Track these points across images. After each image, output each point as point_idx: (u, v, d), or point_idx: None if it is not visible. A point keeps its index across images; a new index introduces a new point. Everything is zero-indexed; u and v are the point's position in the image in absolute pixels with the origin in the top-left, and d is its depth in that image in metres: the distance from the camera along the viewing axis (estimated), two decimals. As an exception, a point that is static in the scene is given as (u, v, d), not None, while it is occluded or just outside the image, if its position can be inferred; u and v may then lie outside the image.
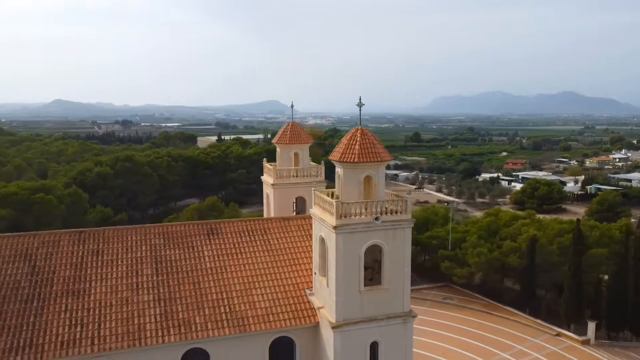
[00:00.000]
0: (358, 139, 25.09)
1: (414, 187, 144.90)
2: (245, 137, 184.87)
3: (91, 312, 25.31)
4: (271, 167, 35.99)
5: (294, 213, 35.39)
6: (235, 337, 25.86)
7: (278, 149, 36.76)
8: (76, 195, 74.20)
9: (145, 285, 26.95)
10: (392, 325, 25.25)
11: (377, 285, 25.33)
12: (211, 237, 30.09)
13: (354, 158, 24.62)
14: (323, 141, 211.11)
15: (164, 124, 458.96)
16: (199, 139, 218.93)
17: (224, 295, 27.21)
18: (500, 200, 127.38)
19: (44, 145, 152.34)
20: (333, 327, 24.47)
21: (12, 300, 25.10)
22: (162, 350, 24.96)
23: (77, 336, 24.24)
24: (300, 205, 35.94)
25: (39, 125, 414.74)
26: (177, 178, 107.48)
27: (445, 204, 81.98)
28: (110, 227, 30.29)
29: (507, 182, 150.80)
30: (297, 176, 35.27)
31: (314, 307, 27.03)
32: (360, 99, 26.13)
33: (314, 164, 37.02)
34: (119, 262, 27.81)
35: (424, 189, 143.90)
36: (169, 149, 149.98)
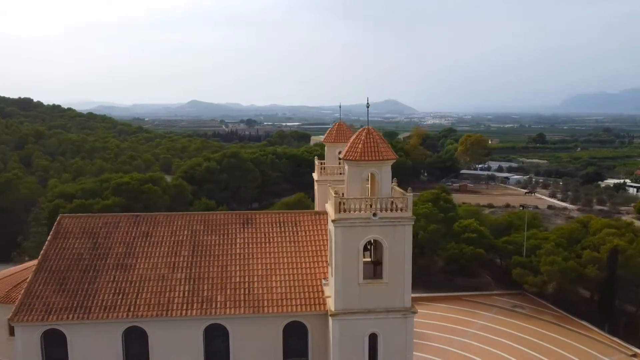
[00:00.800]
0: (362, 138, 26.20)
1: (525, 191, 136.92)
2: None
3: (132, 284, 29.54)
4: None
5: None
6: (251, 318, 28.43)
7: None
8: (180, 187, 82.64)
9: (180, 265, 30.65)
10: (391, 319, 25.98)
11: (377, 279, 26.23)
12: (246, 226, 33.02)
13: (357, 156, 25.82)
14: (436, 141, 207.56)
15: (284, 123, 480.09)
16: (312, 137, 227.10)
17: (246, 279, 29.93)
18: (623, 208, 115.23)
19: (171, 142, 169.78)
20: (331, 315, 25.97)
21: (74, 269, 30.24)
22: (186, 322, 28.35)
23: (118, 303, 28.56)
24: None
25: (175, 123, 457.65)
26: (279, 174, 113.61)
27: (521, 207, 76.91)
28: (160, 213, 34.69)
29: (635, 190, 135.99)
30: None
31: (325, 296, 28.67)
32: (367, 100, 27.19)
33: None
34: (163, 243, 31.89)
35: (536, 194, 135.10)
36: (278, 146, 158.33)
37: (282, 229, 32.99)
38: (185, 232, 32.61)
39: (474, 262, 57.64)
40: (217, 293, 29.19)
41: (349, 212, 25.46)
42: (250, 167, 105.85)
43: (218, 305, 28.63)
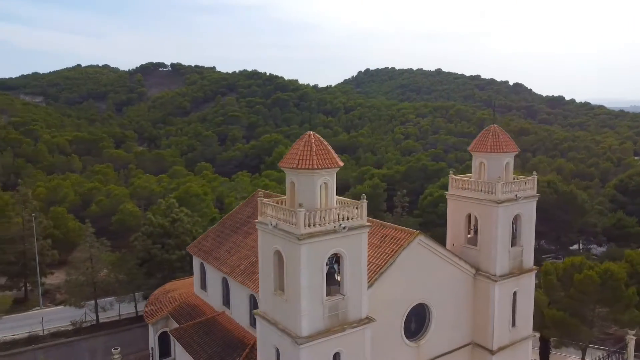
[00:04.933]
0: (312, 145, 24.27)
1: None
2: None
3: None
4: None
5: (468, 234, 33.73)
6: None
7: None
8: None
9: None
10: (352, 334, 24.86)
11: (336, 294, 24.73)
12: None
13: (312, 164, 23.78)
14: None
15: None
16: None
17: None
18: None
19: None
20: (299, 342, 23.28)
21: None
22: None
23: None
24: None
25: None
26: None
27: None
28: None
29: None
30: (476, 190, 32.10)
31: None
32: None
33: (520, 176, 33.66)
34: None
35: None
36: None
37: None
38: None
39: None
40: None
41: (315, 225, 23.26)
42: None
43: None
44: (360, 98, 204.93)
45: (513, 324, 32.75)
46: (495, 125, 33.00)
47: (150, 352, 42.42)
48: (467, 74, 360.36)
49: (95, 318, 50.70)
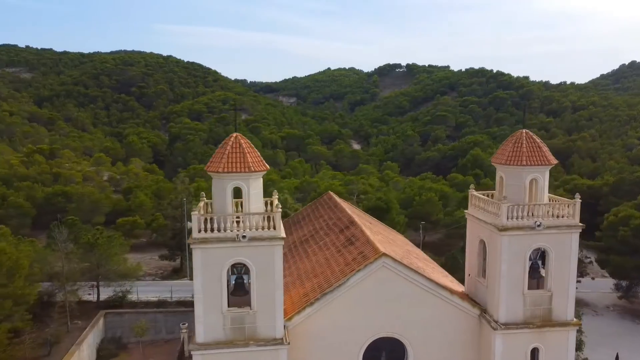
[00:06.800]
0: (233, 148, 23.36)
1: None
2: None
3: None
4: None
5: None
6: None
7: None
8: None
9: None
10: (259, 352, 23.10)
11: (244, 307, 23.28)
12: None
13: (221, 167, 22.89)
14: None
15: None
16: None
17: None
18: None
19: None
20: (192, 349, 22.84)
21: None
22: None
23: None
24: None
25: None
26: None
27: None
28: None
29: None
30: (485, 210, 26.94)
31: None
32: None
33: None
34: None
35: None
36: None
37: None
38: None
39: None
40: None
41: (214, 231, 22.45)
42: None
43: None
44: (595, 96, 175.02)
45: (531, 392, 25.13)
46: (525, 130, 25.69)
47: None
48: None
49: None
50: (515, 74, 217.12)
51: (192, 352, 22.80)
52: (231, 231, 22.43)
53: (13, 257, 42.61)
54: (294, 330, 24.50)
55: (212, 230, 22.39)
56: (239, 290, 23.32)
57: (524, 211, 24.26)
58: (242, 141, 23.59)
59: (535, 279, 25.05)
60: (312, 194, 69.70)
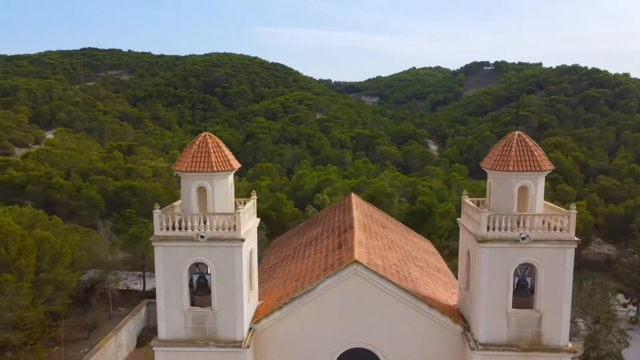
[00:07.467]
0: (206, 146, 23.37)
1: None
2: None
3: None
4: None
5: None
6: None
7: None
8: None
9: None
10: (219, 352, 22.89)
11: (206, 307, 23.18)
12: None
13: (185, 167, 22.95)
14: None
15: None
16: None
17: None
18: None
19: None
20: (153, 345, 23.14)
21: None
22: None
23: None
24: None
25: None
26: None
27: None
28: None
29: None
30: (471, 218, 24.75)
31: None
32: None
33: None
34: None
35: None
36: None
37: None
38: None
39: None
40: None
41: (175, 229, 22.59)
42: None
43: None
44: None
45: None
46: (519, 132, 23.16)
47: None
48: None
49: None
50: (614, 71, 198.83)
51: (154, 348, 23.13)
52: (192, 230, 22.42)
53: (57, 245, 45.96)
54: (262, 333, 24.07)
55: (173, 228, 22.53)
56: (201, 290, 23.27)
57: (509, 222, 21.90)
58: (209, 140, 23.47)
59: (524, 297, 22.55)
60: (361, 195, 68.36)
